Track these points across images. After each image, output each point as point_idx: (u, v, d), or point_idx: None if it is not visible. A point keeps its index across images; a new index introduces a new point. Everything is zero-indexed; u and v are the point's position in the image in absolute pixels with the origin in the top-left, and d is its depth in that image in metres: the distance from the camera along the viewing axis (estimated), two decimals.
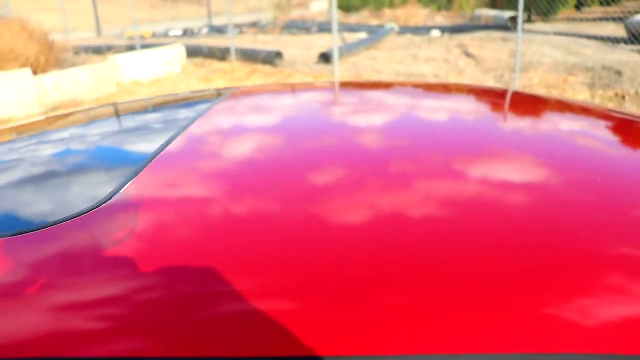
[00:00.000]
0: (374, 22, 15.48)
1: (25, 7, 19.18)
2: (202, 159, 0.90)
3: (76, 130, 1.22)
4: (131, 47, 11.19)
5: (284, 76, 8.86)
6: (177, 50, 10.21)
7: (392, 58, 9.70)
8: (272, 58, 9.50)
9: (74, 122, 1.37)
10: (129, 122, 1.28)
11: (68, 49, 10.76)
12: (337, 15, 8.20)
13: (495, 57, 8.95)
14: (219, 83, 9.07)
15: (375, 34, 11.88)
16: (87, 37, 19.84)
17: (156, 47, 10.59)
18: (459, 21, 14.92)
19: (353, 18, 17.92)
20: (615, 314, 0.50)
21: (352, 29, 13.52)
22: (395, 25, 13.04)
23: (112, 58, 9.35)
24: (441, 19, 15.52)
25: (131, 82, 9.52)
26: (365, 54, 10.22)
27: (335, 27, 8.21)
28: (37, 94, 8.25)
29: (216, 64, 10.16)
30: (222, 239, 0.62)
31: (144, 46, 11.22)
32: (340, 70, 8.59)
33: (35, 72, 8.82)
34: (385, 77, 8.35)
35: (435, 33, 12.05)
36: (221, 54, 10.23)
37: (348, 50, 9.93)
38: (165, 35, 17.38)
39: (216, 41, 12.32)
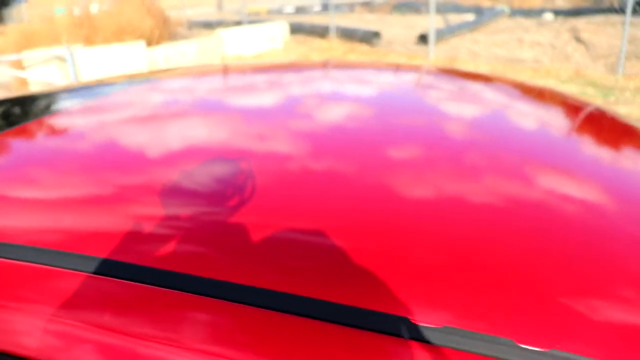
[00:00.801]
0: (487, 3, 14.88)
1: None
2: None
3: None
4: (239, 23, 11.74)
5: (379, 55, 8.90)
6: (281, 27, 10.57)
7: (495, 41, 9.36)
8: (369, 37, 9.56)
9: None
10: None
11: (182, 24, 11.53)
12: None
13: (610, 43, 8.34)
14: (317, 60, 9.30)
15: (482, 15, 11.46)
16: (209, 12, 20.93)
17: (262, 23, 11.02)
18: (582, 4, 13.91)
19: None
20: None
21: (460, 9, 13.13)
22: (506, 8, 12.47)
23: (218, 33, 9.90)
24: (562, 2, 14.56)
25: (235, 56, 10.03)
26: (469, 37, 9.94)
27: (432, 7, 8.10)
28: (148, 64, 8.99)
29: (317, 42, 10.40)
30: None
31: (252, 22, 11.71)
32: (436, 52, 8.47)
33: (149, 44, 9.60)
34: (482, 61, 8.11)
35: (548, 16, 11.38)
36: (322, 32, 10.44)
37: (450, 32, 9.72)
38: (280, 12, 17.88)
39: (321, 19, 12.53)
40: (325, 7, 17.32)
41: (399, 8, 14.62)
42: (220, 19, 13.12)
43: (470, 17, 11.96)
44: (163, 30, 10.06)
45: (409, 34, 10.27)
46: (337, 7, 16.89)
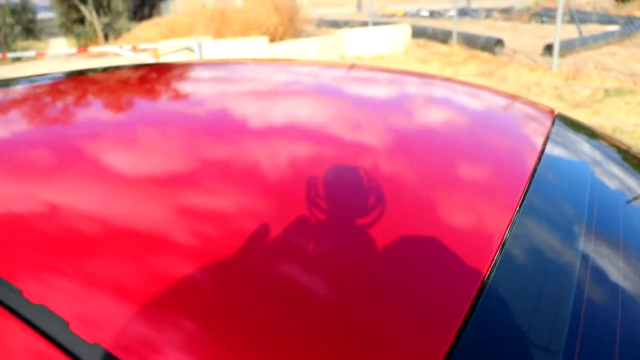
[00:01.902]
0: None
1: None
2: None
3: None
4: (364, 24, 11.90)
5: (499, 65, 8.59)
6: (403, 30, 10.57)
7: (635, 56, 8.62)
8: (491, 45, 9.25)
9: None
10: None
11: (311, 22, 11.95)
12: (563, 3, 7.62)
13: None
14: (434, 65, 9.20)
15: (630, 26, 10.55)
16: (348, 12, 21.39)
17: (385, 25, 11.09)
18: None
19: (626, 8, 15.97)
20: None
21: (606, 20, 12.18)
22: None
23: (339, 32, 10.15)
24: None
25: (354, 56, 10.22)
26: (605, 49, 9.24)
27: (559, 16, 7.66)
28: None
29: (438, 47, 10.27)
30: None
31: (376, 24, 11.83)
32: (560, 64, 8.00)
33: (272, 40, 10.11)
34: (611, 75, 7.52)
35: None
36: (444, 37, 10.28)
37: (583, 43, 9.10)
38: (417, 14, 17.82)
39: (445, 24, 12.31)
40: (462, 12, 16.98)
41: (539, 16, 13.92)
42: (348, 19, 13.39)
43: (613, 28, 11.08)
44: (288, 27, 10.52)
45: (537, 43, 9.78)
46: (475, 12, 16.48)
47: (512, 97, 1.34)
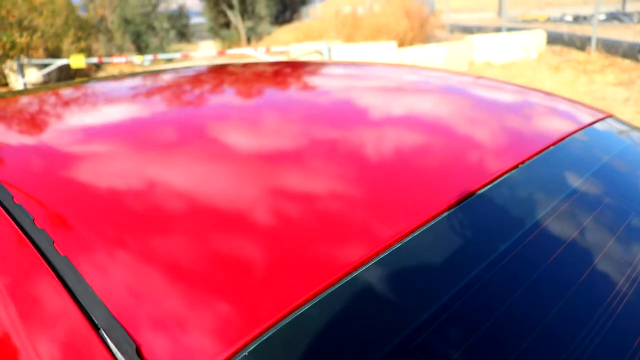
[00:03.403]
0: None
1: None
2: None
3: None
4: (498, 30, 11.70)
5: (639, 72, 8.09)
6: (537, 36, 10.28)
7: None
8: (635, 52, 8.72)
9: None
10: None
11: (443, 27, 11.98)
12: None
13: None
14: (568, 74, 8.88)
15: None
16: (487, 17, 20.91)
17: (519, 31, 10.84)
18: None
19: None
20: None
21: None
22: None
23: (468, 38, 10.11)
24: None
25: (483, 63, 10.14)
26: None
27: None
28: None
29: (574, 54, 9.85)
30: None
31: (510, 29, 11.57)
32: None
33: (401, 45, 10.32)
34: None
35: None
36: (581, 44, 9.84)
37: None
38: (561, 20, 17.03)
39: (587, 29, 11.69)
40: (612, 16, 15.94)
41: None
42: (483, 25, 13.20)
43: None
44: (418, 32, 10.67)
45: None
46: (627, 16, 15.39)
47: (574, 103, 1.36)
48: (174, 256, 0.57)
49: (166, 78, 1.48)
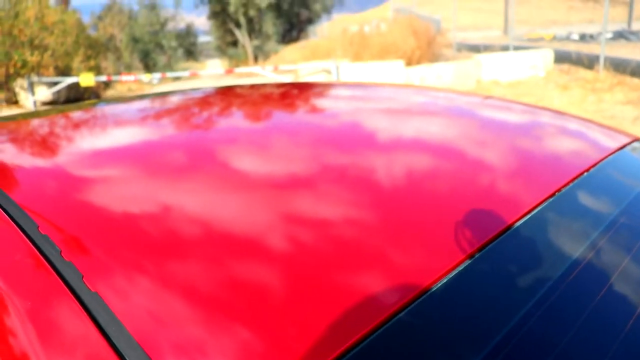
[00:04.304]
0: None
1: (449, 6, 21.42)
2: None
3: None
4: (505, 48, 11.79)
5: None
6: (545, 55, 10.35)
7: None
8: None
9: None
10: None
11: (451, 45, 12.08)
12: None
13: None
14: (576, 92, 8.93)
15: None
16: (493, 35, 21.05)
17: (526, 49, 10.92)
18: None
19: None
20: None
21: None
22: None
23: (476, 57, 10.20)
24: None
25: (491, 82, 10.20)
26: None
27: None
28: (405, 82, 9.76)
29: (582, 72, 9.91)
30: None
31: (517, 48, 11.66)
32: None
33: (409, 64, 10.41)
34: None
35: None
36: (589, 62, 9.90)
37: None
38: (567, 38, 17.14)
39: (595, 48, 11.78)
40: (619, 34, 16.02)
41: None
42: (490, 43, 13.30)
43: None
44: (425, 51, 10.77)
45: None
46: (633, 34, 15.46)
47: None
48: (195, 281, 0.56)
49: (179, 100, 1.49)
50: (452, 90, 1.67)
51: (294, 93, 1.61)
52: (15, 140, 1.14)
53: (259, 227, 0.66)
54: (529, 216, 0.77)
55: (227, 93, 1.60)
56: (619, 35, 15.48)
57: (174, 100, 1.50)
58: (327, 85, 1.77)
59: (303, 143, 0.99)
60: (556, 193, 0.86)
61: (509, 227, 0.73)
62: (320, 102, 1.50)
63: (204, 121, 1.26)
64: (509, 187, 0.86)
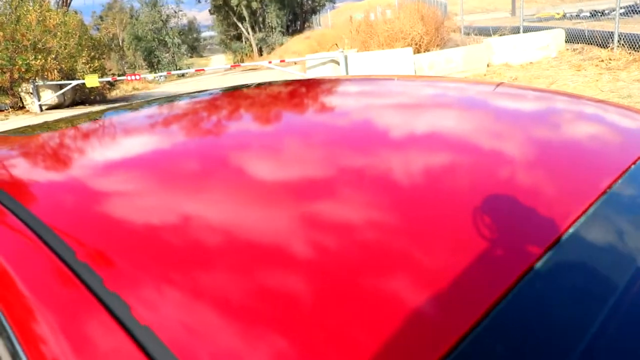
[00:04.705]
0: None
1: None
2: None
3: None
4: (515, 30, 11.58)
5: None
6: (556, 35, 10.15)
7: None
8: None
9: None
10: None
11: (458, 30, 11.88)
12: None
13: None
14: (590, 71, 8.74)
15: None
16: (501, 17, 20.80)
17: (537, 31, 10.72)
18: None
19: None
20: None
21: None
22: None
23: (486, 40, 10.02)
24: None
25: (502, 65, 10.02)
26: None
27: None
28: (414, 70, 9.61)
29: (596, 51, 9.70)
30: None
31: (528, 30, 11.45)
32: None
33: (418, 51, 10.25)
34: None
35: None
36: (603, 40, 9.69)
37: None
38: (577, 16, 16.89)
39: (607, 25, 11.55)
40: (632, 9, 15.72)
41: None
42: (499, 25, 13.09)
43: None
44: (434, 37, 10.60)
45: None
46: None
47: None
48: (229, 292, 0.53)
49: (189, 105, 1.45)
50: (475, 80, 1.59)
51: (306, 91, 1.56)
52: (28, 154, 1.12)
53: (292, 232, 0.63)
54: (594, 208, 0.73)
55: (237, 95, 1.55)
56: (632, 11, 15.18)
57: (183, 105, 1.45)
58: (339, 81, 1.70)
59: (329, 144, 0.94)
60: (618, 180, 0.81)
61: (575, 221, 0.69)
62: (336, 99, 1.45)
63: (218, 126, 1.21)
64: (567, 181, 0.81)
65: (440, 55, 9.81)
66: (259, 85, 1.71)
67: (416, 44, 10.33)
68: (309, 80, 1.77)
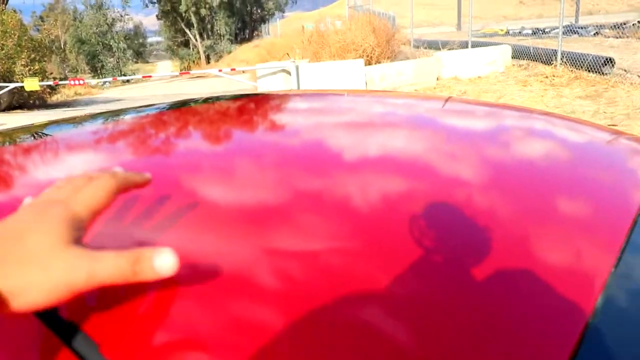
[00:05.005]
0: None
1: (402, 3, 21.44)
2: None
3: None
4: (464, 45, 11.80)
5: (607, 86, 8.22)
6: (503, 51, 10.39)
7: None
8: (599, 65, 8.86)
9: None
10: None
11: (408, 42, 12.00)
12: None
13: None
14: (535, 87, 8.96)
15: None
16: (447, 32, 21.24)
17: (485, 46, 10.94)
18: None
19: None
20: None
21: None
22: None
23: (436, 54, 10.15)
24: None
25: (451, 78, 10.16)
26: None
27: None
28: (365, 82, 9.61)
29: (540, 67, 9.98)
30: None
31: (475, 45, 11.68)
32: None
33: (369, 62, 10.26)
34: None
35: None
36: (547, 57, 9.98)
37: None
38: (520, 33, 17.43)
39: (549, 43, 11.93)
40: (569, 29, 16.35)
41: None
42: (447, 40, 13.32)
43: None
44: (385, 49, 10.64)
45: None
46: (583, 29, 15.81)
47: (613, 132, 1.25)
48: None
49: (131, 121, 1.31)
50: (425, 94, 1.56)
51: (255, 108, 1.46)
52: None
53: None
54: None
55: (183, 112, 1.40)
56: (570, 30, 15.78)
57: (127, 121, 1.30)
58: (287, 96, 1.61)
59: (277, 165, 0.86)
60: None
61: None
62: (284, 117, 1.36)
63: (160, 145, 1.07)
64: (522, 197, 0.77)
65: (391, 67, 9.86)
66: (206, 100, 1.59)
67: (367, 56, 10.34)
68: (257, 95, 1.66)
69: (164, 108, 1.47)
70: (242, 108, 1.46)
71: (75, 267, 0.39)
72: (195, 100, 1.58)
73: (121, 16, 29.87)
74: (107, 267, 0.40)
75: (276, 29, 22.85)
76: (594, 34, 14.60)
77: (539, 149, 1.00)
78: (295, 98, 1.61)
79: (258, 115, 1.38)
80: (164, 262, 0.42)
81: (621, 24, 15.82)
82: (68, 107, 13.78)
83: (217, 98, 1.61)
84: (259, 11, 29.67)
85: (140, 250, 0.42)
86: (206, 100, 1.59)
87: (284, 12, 31.47)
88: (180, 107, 1.48)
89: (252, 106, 1.49)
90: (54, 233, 0.40)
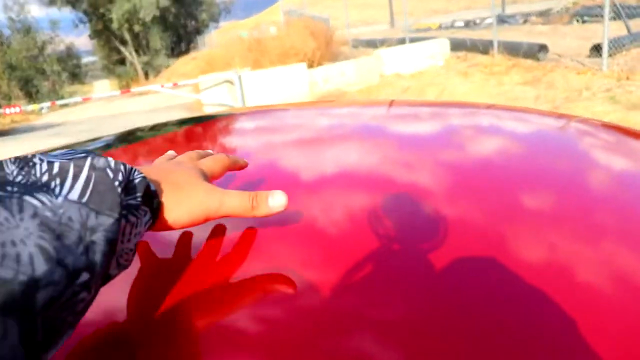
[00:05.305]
0: None
1: (336, 5, 21.47)
2: None
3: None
4: (402, 41, 11.87)
5: (544, 71, 8.39)
6: (442, 44, 10.49)
7: None
8: (535, 51, 9.06)
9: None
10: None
11: (347, 43, 11.99)
12: None
13: None
14: (477, 77, 9.07)
15: None
16: (382, 29, 21.43)
17: (423, 41, 11.03)
18: None
19: None
20: None
21: None
22: None
23: (377, 52, 10.14)
24: None
25: (393, 75, 10.18)
26: None
27: (606, 13, 7.45)
28: (309, 85, 9.51)
29: (478, 58, 10.13)
30: None
31: (414, 40, 11.77)
32: (611, 64, 7.75)
33: (311, 66, 10.18)
34: None
35: None
36: (484, 48, 10.14)
37: (634, 40, 8.79)
38: (451, 26, 17.73)
39: (483, 34, 12.17)
40: (498, 20, 16.75)
41: (579, 16, 13.56)
42: (384, 37, 13.39)
43: None
44: (325, 51, 10.58)
45: (583, 45, 9.51)
46: (512, 18, 16.23)
47: (562, 116, 1.23)
48: None
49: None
50: (370, 100, 1.46)
51: (203, 132, 1.35)
52: None
53: None
54: None
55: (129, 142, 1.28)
56: (500, 21, 16.16)
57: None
58: (233, 116, 1.49)
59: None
60: None
61: None
62: (234, 140, 1.26)
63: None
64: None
65: (333, 69, 9.79)
66: (153, 127, 1.45)
67: (309, 59, 10.25)
68: (202, 118, 1.53)
69: (109, 142, 1.31)
70: (190, 134, 1.32)
71: (211, 194, 0.47)
72: (142, 129, 1.43)
73: (51, 38, 28.79)
74: (233, 200, 0.47)
75: (212, 40, 22.52)
76: (523, 22, 14.99)
77: (497, 143, 0.95)
78: (242, 117, 1.50)
79: (207, 141, 1.26)
80: (276, 200, 0.49)
81: (545, 11, 16.32)
82: (5, 135, 13.14)
83: (165, 125, 1.47)
84: (192, 23, 29.19)
85: (258, 191, 0.50)
86: (153, 128, 1.44)
87: (218, 22, 31.09)
88: (129, 139, 1.34)
89: (200, 130, 1.36)
90: (194, 173, 0.49)
